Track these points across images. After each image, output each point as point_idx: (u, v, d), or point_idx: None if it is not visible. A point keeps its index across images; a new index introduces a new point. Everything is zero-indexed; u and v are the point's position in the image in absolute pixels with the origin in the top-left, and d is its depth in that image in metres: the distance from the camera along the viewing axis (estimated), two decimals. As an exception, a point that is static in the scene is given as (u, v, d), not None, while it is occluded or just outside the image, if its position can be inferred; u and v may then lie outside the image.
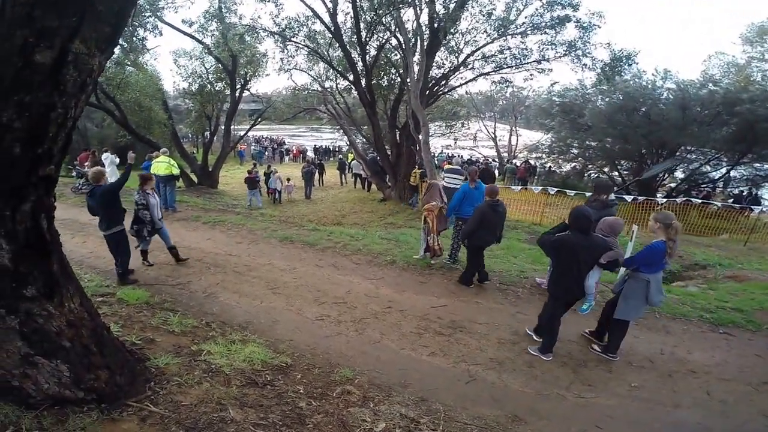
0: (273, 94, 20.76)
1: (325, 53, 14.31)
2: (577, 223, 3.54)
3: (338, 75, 15.41)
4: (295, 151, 31.34)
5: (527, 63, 13.99)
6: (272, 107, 20.36)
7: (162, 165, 9.34)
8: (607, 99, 18.64)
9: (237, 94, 16.35)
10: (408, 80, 11.89)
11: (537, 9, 12.40)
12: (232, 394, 2.73)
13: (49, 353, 1.97)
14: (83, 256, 5.94)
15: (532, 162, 22.51)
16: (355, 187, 18.25)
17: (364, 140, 20.04)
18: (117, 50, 13.70)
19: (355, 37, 12.54)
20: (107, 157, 11.07)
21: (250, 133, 23.67)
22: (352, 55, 13.14)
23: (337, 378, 3.42)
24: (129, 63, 14.38)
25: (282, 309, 4.75)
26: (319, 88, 17.17)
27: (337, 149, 32.56)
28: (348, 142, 17.63)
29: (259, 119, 19.49)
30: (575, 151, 22.02)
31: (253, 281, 5.48)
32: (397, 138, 14.27)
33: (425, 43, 11.74)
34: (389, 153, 14.35)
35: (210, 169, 16.82)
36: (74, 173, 12.30)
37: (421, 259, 6.34)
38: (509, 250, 7.80)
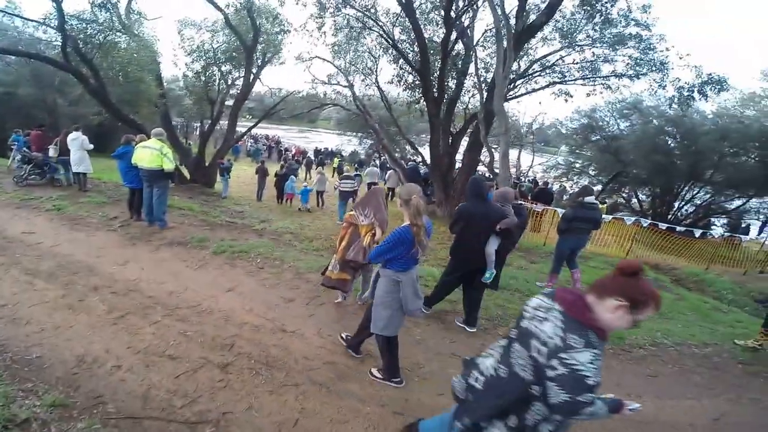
0: (273, 91, 17.33)
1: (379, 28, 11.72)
2: (471, 189, 3.51)
3: (390, 60, 12.92)
4: (295, 151, 27.66)
5: (597, 77, 11.96)
6: (284, 102, 16.71)
7: (147, 152, 5.52)
8: (639, 123, 17.60)
9: (251, 77, 12.85)
10: (490, 76, 9.63)
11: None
12: None
13: None
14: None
15: (548, 184, 19.41)
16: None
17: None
18: (102, 12, 9.37)
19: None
20: (77, 137, 7.37)
21: (244, 131, 20.25)
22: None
23: None
24: (120, 29, 10.05)
25: None
26: (344, 83, 14.08)
27: (337, 153, 29.31)
28: (378, 146, 14.58)
29: (272, 112, 16.19)
30: (593, 172, 20.92)
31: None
32: (448, 144, 11.52)
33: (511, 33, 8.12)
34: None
35: (206, 164, 13.04)
36: (17, 156, 8.29)
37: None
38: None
